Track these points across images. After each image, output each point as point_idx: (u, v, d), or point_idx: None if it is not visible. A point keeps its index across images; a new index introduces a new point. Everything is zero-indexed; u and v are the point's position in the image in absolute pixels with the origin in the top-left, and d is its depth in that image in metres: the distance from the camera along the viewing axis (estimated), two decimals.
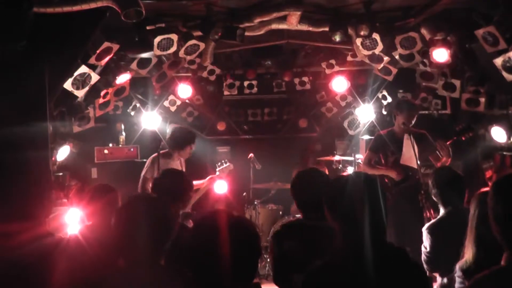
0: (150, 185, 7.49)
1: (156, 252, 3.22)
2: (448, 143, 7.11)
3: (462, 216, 4.41)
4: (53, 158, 7.23)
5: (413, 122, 7.50)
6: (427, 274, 5.91)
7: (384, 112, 10.20)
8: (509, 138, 7.62)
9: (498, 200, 2.70)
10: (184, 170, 7.84)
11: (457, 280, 4.34)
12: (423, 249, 5.28)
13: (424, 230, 5.24)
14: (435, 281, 5.85)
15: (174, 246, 3.66)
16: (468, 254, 3.95)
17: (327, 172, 9.97)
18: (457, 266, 4.14)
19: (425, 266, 5.28)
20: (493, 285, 2.61)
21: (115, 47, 6.91)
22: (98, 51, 6.71)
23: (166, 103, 10.50)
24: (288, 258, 4.12)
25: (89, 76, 6.81)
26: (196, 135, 8.13)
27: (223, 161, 8.20)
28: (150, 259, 3.16)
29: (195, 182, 7.86)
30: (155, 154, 7.77)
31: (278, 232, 4.45)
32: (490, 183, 7.42)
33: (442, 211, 5.32)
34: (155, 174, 7.53)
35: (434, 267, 5.21)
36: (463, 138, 7.11)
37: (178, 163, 7.85)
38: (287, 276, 4.10)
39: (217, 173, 8.06)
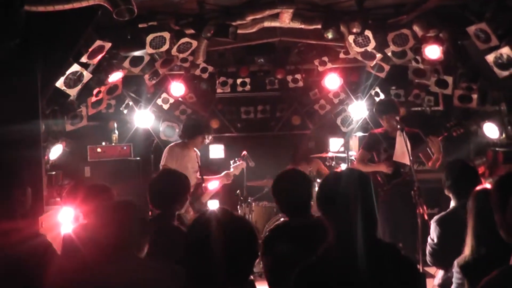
0: None
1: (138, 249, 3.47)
2: (439, 138, 7.11)
3: None
4: (46, 157, 7.22)
5: (398, 119, 7.46)
6: (421, 270, 5.96)
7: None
8: (501, 134, 7.65)
9: (503, 203, 2.68)
10: (199, 162, 7.82)
11: (455, 275, 4.34)
12: (429, 240, 5.27)
13: (433, 222, 5.22)
14: (428, 276, 5.87)
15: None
16: (467, 250, 3.96)
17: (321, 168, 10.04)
18: (455, 262, 4.15)
19: (429, 258, 5.29)
20: (502, 285, 2.60)
21: (107, 45, 6.90)
22: (90, 50, 6.69)
23: (159, 101, 10.50)
24: (281, 261, 4.11)
25: (81, 75, 6.80)
26: (210, 127, 8.09)
27: (236, 159, 8.29)
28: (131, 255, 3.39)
29: (211, 177, 7.91)
30: (172, 144, 7.82)
31: (268, 238, 4.44)
32: (483, 179, 7.46)
33: (452, 204, 5.31)
34: (174, 164, 7.50)
35: (438, 260, 5.20)
36: (454, 134, 7.11)
37: (194, 155, 7.81)
38: (282, 278, 4.09)
39: (231, 169, 8.09)
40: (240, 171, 8.31)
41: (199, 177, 7.64)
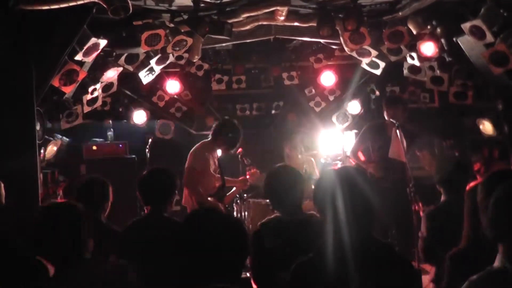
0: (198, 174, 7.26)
1: (80, 249, 3.32)
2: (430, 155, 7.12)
3: (463, 205, 4.38)
4: (41, 155, 7.21)
5: (401, 118, 7.47)
6: (417, 266, 5.97)
7: (373, 106, 10.24)
8: (496, 131, 7.66)
9: (490, 202, 2.66)
10: (216, 162, 7.69)
11: (446, 270, 4.35)
12: (420, 235, 5.28)
13: (423, 216, 5.23)
14: (424, 273, 5.88)
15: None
16: (461, 244, 3.95)
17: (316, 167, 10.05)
18: (447, 256, 4.15)
19: (420, 254, 5.29)
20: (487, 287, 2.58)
21: (103, 43, 6.89)
22: (85, 47, 6.68)
23: (154, 99, 10.49)
24: (270, 256, 4.13)
25: (76, 73, 6.79)
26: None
27: (252, 168, 8.17)
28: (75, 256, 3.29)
29: (230, 179, 7.84)
30: (202, 144, 7.65)
31: (258, 232, 4.46)
32: (478, 176, 7.47)
33: (443, 198, 5.31)
34: (201, 165, 7.38)
35: (429, 255, 5.20)
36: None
37: (216, 155, 7.70)
38: (269, 274, 4.12)
39: (248, 176, 8.06)
40: (256, 181, 8.17)
41: (219, 176, 7.56)
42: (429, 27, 7.40)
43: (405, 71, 9.17)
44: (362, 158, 7.94)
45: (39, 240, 3.32)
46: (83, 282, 3.19)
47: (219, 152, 7.81)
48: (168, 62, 8.68)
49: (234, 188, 8.00)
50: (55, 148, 7.73)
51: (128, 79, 9.84)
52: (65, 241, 3.27)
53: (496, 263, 2.60)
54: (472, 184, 4.24)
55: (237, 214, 9.07)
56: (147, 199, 4.89)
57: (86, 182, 5.39)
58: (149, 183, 4.95)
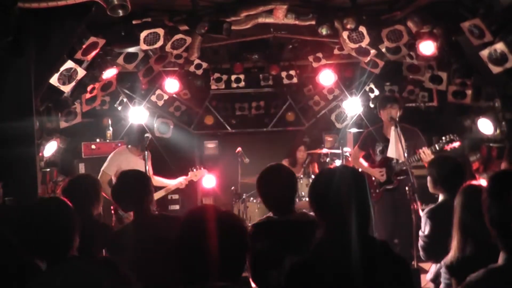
0: (109, 178, 7.44)
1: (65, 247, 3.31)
2: (431, 153, 7.09)
3: None
4: (40, 154, 7.21)
5: (397, 116, 7.48)
6: (416, 266, 5.97)
7: (372, 105, 10.23)
8: (495, 130, 7.65)
9: (493, 204, 2.65)
10: (150, 165, 7.69)
11: (443, 276, 4.34)
12: (420, 233, 5.26)
13: (423, 214, 5.22)
14: (423, 272, 5.87)
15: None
16: (454, 250, 3.94)
17: (316, 166, 10.07)
18: (443, 262, 4.14)
19: (421, 252, 5.28)
20: (488, 285, 2.58)
21: (101, 41, 6.88)
22: (84, 46, 6.68)
23: (153, 98, 10.48)
24: (262, 256, 4.12)
25: (75, 71, 6.78)
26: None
27: (198, 167, 8.25)
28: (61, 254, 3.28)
29: (166, 181, 7.88)
30: (117, 150, 7.77)
31: (250, 233, 4.44)
32: (477, 175, 7.47)
33: (441, 197, 5.31)
34: (114, 169, 7.55)
35: (430, 253, 5.19)
36: (448, 149, 7.09)
37: (141, 158, 7.73)
38: (263, 273, 4.12)
39: (189, 175, 8.05)
40: (198, 178, 8.25)
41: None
42: (428, 26, 7.40)
43: (404, 70, 9.18)
44: (365, 164, 7.96)
45: (28, 237, 3.31)
46: (71, 279, 3.17)
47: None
48: (166, 61, 8.69)
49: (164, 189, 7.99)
50: (54, 147, 7.72)
51: (126, 78, 9.85)
52: (53, 238, 3.28)
53: (500, 261, 2.60)
54: (468, 182, 4.24)
55: (236, 213, 9.07)
56: (124, 206, 4.92)
57: (74, 179, 5.38)
58: (121, 189, 4.90)
